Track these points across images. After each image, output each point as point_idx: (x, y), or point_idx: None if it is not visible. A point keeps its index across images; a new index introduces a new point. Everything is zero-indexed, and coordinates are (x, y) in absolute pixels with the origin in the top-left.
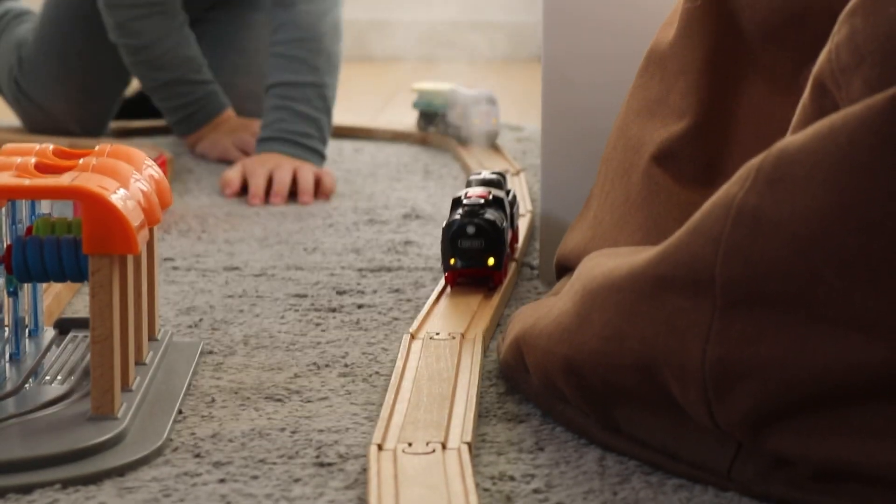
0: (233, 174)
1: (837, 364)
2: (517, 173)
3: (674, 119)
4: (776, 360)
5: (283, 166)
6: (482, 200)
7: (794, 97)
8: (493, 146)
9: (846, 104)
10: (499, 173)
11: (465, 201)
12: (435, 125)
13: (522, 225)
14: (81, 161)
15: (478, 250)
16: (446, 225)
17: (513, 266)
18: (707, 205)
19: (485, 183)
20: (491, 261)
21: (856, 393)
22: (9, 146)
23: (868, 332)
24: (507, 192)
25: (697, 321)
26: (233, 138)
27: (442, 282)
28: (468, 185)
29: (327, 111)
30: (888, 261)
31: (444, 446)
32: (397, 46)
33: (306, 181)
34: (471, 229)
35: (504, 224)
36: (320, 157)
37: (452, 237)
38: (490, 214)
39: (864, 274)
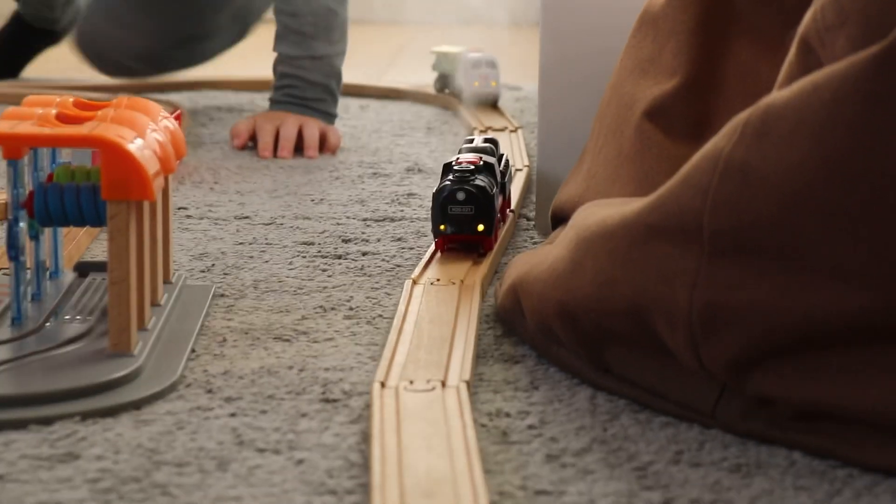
0: (242, 127)
1: (818, 311)
2: (515, 130)
3: (665, 77)
4: (760, 306)
5: (288, 122)
6: (473, 167)
7: (780, 56)
8: (494, 106)
9: (830, 62)
10: (491, 140)
11: (455, 167)
12: (449, 86)
13: (519, 179)
14: (100, 112)
15: (468, 216)
16: (437, 191)
17: (510, 217)
18: (696, 157)
19: (476, 150)
20: (480, 227)
21: (834, 338)
22: (31, 97)
23: (847, 280)
24: (500, 158)
25: (685, 268)
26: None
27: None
28: (460, 151)
29: (337, 77)
30: (868, 213)
31: (443, 384)
32: (402, 9)
33: (311, 136)
34: (461, 195)
35: (494, 190)
36: (330, 116)
37: (442, 203)
38: (480, 180)
39: (845, 225)
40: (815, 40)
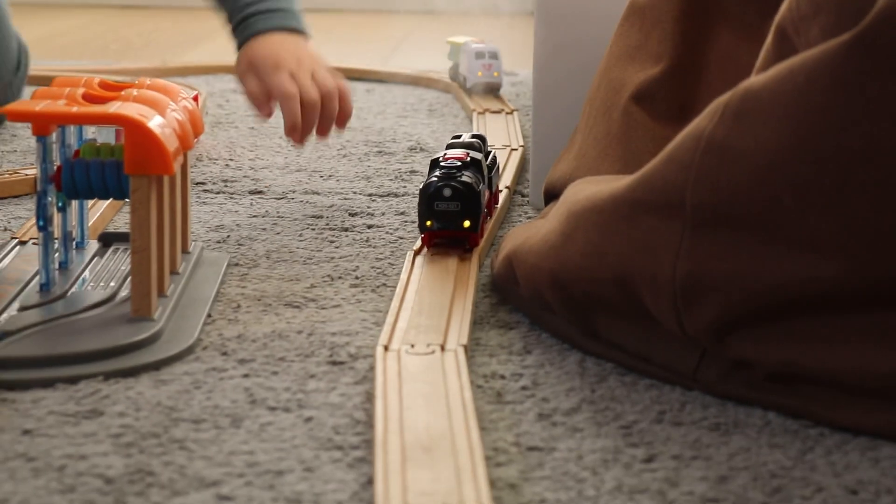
0: (256, 92)
1: (792, 279)
2: (511, 112)
3: (651, 63)
4: (738, 275)
5: (300, 72)
6: (459, 163)
7: (758, 44)
8: (496, 94)
9: (804, 49)
10: (478, 136)
11: (442, 163)
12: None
13: (515, 158)
14: (124, 93)
15: (454, 212)
16: (423, 187)
17: (505, 192)
18: (679, 136)
19: (464, 146)
20: (467, 223)
21: (807, 305)
22: (60, 78)
23: (819, 251)
24: (487, 155)
25: (669, 240)
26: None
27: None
28: (448, 147)
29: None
30: (838, 188)
31: (442, 348)
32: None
33: (331, 102)
34: (447, 191)
35: (481, 186)
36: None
37: (429, 199)
38: (467, 177)
39: (817, 200)
40: (790, 29)
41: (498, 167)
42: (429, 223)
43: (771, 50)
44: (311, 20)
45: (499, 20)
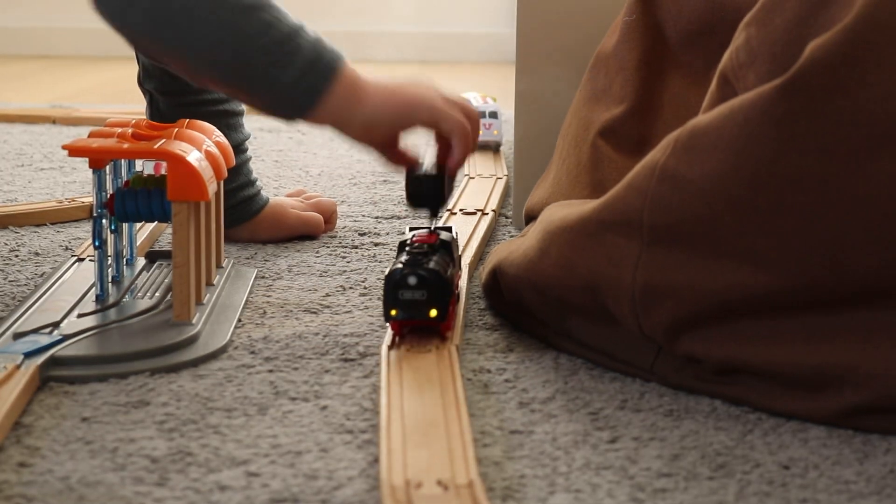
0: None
1: (733, 287)
2: (497, 151)
3: (615, 104)
4: (688, 284)
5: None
6: (427, 247)
7: (704, 88)
8: (496, 152)
9: (743, 92)
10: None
11: (408, 247)
12: None
13: (500, 186)
14: (166, 132)
15: (420, 301)
16: (388, 274)
17: (491, 215)
18: (638, 167)
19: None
20: (433, 312)
21: (746, 309)
22: (112, 119)
23: (756, 263)
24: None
25: (629, 254)
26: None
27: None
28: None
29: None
30: (771, 210)
31: (438, 348)
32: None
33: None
34: (412, 280)
35: (450, 271)
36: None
37: (393, 288)
38: (434, 263)
39: (754, 219)
40: (731, 75)
41: (458, 245)
42: (393, 312)
43: (715, 93)
44: None
45: (481, 67)
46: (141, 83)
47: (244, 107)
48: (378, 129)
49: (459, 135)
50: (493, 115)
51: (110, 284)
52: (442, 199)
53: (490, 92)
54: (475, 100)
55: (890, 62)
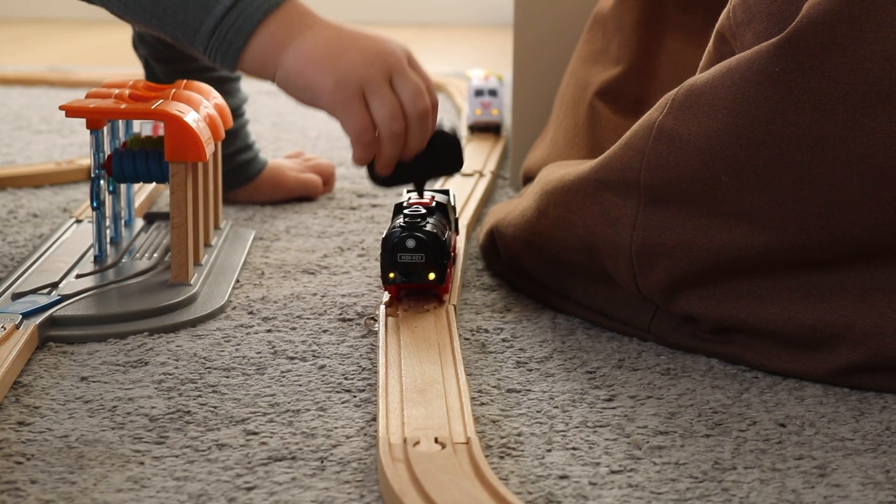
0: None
1: (729, 247)
2: (497, 130)
3: (612, 65)
4: (684, 244)
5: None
6: (424, 209)
7: (701, 48)
8: (496, 133)
9: (740, 51)
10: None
11: (406, 209)
12: None
13: (498, 146)
14: (164, 92)
15: (418, 265)
16: (385, 236)
17: (489, 176)
18: (634, 126)
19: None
20: (432, 275)
21: (742, 269)
22: (109, 81)
23: (752, 222)
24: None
25: (626, 214)
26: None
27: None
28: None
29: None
30: (768, 168)
31: (435, 307)
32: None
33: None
34: (411, 243)
35: (447, 234)
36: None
37: (391, 250)
38: (431, 226)
39: (750, 178)
40: (728, 34)
41: (455, 207)
42: (392, 275)
43: (712, 52)
44: None
45: (480, 30)
46: (136, 47)
47: (239, 73)
48: (339, 66)
49: (411, 94)
50: (493, 92)
51: (109, 245)
52: (458, 163)
53: (490, 67)
54: (477, 78)
55: (888, 20)
